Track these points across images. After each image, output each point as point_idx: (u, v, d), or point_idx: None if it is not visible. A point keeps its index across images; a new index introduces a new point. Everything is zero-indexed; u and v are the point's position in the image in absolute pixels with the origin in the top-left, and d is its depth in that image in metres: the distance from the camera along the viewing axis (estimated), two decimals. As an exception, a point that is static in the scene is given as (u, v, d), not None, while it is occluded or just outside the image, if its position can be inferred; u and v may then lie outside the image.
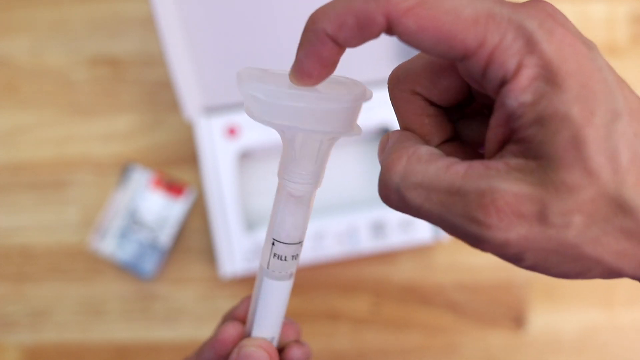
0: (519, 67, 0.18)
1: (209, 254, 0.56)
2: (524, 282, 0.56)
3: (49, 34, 0.59)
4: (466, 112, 0.24)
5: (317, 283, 0.56)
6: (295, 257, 0.26)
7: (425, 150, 0.20)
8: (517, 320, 0.56)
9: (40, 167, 0.58)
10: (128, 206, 0.56)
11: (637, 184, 0.18)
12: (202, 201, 0.57)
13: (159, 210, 0.56)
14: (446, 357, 0.56)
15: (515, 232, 0.18)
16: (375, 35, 0.20)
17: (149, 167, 0.57)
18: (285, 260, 0.26)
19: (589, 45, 0.19)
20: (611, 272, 0.19)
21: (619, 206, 0.18)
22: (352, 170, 0.56)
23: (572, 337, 0.56)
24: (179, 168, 0.57)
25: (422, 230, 0.53)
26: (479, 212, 0.18)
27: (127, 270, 0.56)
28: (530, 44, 0.18)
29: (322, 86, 0.22)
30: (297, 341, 0.29)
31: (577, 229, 0.18)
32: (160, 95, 0.58)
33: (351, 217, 0.52)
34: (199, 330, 0.56)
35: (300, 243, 0.26)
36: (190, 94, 0.51)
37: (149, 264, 0.55)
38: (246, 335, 0.28)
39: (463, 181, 0.19)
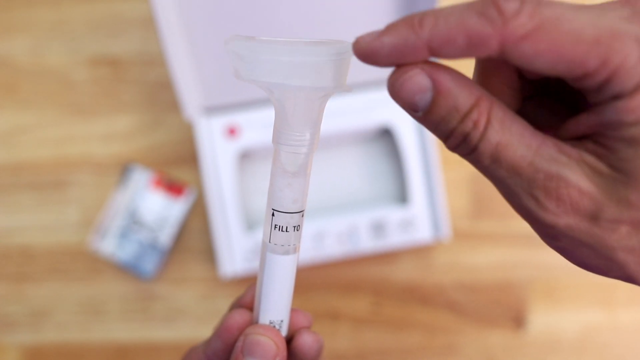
0: (636, 88, 0.18)
1: (209, 254, 0.56)
2: (524, 282, 0.56)
3: (49, 34, 0.59)
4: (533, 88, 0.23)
5: (317, 283, 0.56)
6: (297, 228, 0.26)
7: (501, 107, 0.20)
8: (517, 320, 0.56)
9: (40, 167, 0.58)
10: (128, 206, 0.56)
11: None
12: (202, 201, 0.57)
13: (159, 210, 0.56)
14: (446, 357, 0.56)
15: (565, 220, 0.19)
16: (482, 56, 0.19)
17: (149, 167, 0.57)
18: (286, 231, 0.25)
19: None
20: (628, 278, 0.20)
21: None
22: (352, 170, 0.56)
23: (572, 337, 0.56)
24: (179, 168, 0.57)
25: (422, 230, 0.53)
26: (541, 192, 0.19)
27: (127, 270, 0.56)
28: None
29: (307, 43, 0.22)
30: (309, 329, 0.28)
31: (620, 236, 0.19)
32: (160, 95, 0.58)
33: (351, 217, 0.52)
34: (199, 330, 0.56)
35: (301, 212, 0.26)
36: (190, 94, 0.51)
37: (149, 264, 0.55)
38: (254, 321, 0.27)
39: (535, 157, 0.19)
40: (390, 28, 0.20)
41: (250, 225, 0.54)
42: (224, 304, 0.56)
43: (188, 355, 0.30)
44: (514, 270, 0.57)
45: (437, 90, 0.20)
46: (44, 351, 0.56)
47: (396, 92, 0.20)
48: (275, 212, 0.25)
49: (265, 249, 0.26)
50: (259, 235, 0.52)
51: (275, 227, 0.25)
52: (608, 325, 0.56)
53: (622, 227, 0.19)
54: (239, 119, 0.52)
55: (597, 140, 0.19)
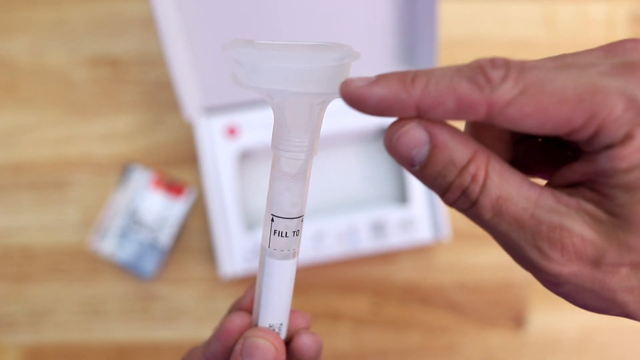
0: (626, 137, 0.18)
1: (209, 254, 0.56)
2: (524, 282, 0.56)
3: (49, 34, 0.59)
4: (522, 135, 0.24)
5: (317, 283, 0.56)
6: (296, 233, 0.25)
7: (498, 160, 0.20)
8: (517, 320, 0.56)
9: (40, 167, 0.58)
10: (128, 206, 0.56)
11: None
12: (202, 201, 0.57)
13: (159, 210, 0.56)
14: (446, 357, 0.56)
15: (569, 268, 0.20)
16: (470, 120, 0.20)
17: (149, 167, 0.57)
18: (286, 236, 0.25)
19: None
20: (627, 315, 0.21)
21: None
22: (352, 170, 0.56)
23: (572, 337, 0.56)
24: (179, 168, 0.57)
25: (422, 230, 0.53)
26: (545, 243, 0.19)
27: (127, 270, 0.56)
28: None
29: (307, 48, 0.22)
30: (308, 330, 0.28)
31: (620, 278, 0.20)
32: (160, 95, 0.58)
33: (351, 217, 0.52)
34: (199, 330, 0.56)
35: (300, 217, 0.25)
36: (190, 94, 0.51)
37: (149, 264, 0.55)
38: (253, 324, 0.27)
39: (536, 209, 0.20)
40: (382, 79, 0.20)
41: (250, 225, 0.54)
42: (223, 304, 0.56)
43: (188, 356, 0.30)
44: (514, 270, 0.57)
45: (433, 144, 0.20)
46: (44, 351, 0.56)
47: (393, 145, 0.21)
48: (274, 217, 0.25)
49: (264, 254, 0.26)
50: (259, 235, 0.52)
51: (274, 232, 0.25)
52: (608, 325, 0.56)
53: (622, 269, 0.20)
54: (239, 119, 0.53)
55: (592, 187, 0.20)
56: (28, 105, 0.58)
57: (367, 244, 0.52)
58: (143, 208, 0.56)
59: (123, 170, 0.57)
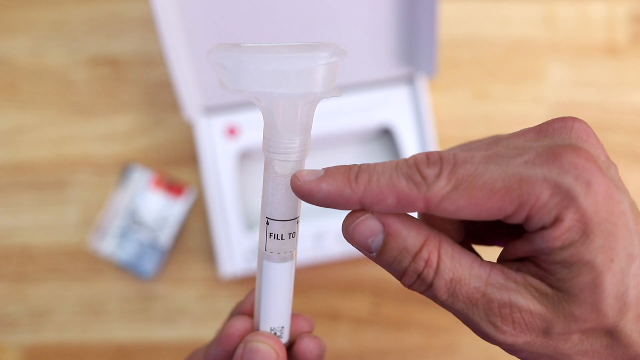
0: (556, 220, 0.20)
1: (209, 254, 0.56)
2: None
3: (49, 34, 0.59)
4: None
5: (317, 283, 0.56)
6: (292, 235, 0.25)
7: (449, 243, 0.22)
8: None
9: (40, 167, 0.58)
10: (128, 206, 0.56)
11: (635, 319, 0.20)
12: (202, 201, 0.57)
13: (159, 210, 0.56)
14: (446, 357, 0.56)
15: (522, 338, 0.21)
16: (412, 212, 0.22)
17: (149, 167, 0.57)
18: (282, 239, 0.25)
19: (619, 186, 0.20)
20: None
21: (612, 333, 0.21)
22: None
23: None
24: (179, 168, 0.57)
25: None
26: (498, 319, 0.21)
27: (127, 270, 0.56)
28: (567, 199, 0.19)
29: (293, 49, 0.22)
30: (310, 334, 0.28)
31: (572, 343, 0.21)
32: (160, 95, 0.58)
33: (351, 217, 0.52)
34: (199, 330, 0.56)
35: (295, 219, 0.25)
36: (190, 94, 0.51)
37: (149, 264, 0.55)
38: (254, 328, 0.27)
39: (487, 287, 0.21)
40: (328, 175, 0.22)
41: (250, 225, 0.54)
42: (223, 304, 0.56)
43: (190, 359, 0.30)
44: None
45: (387, 233, 0.22)
46: (44, 351, 0.56)
47: (350, 235, 0.22)
48: (269, 220, 0.25)
49: (261, 257, 0.26)
50: (259, 235, 0.52)
51: (270, 235, 0.25)
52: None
53: (573, 336, 0.21)
54: (239, 119, 0.53)
55: (536, 263, 0.21)
56: (28, 105, 0.58)
57: (367, 244, 0.52)
58: (143, 208, 0.56)
59: (123, 170, 0.57)
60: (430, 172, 0.21)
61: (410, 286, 0.23)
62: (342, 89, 0.53)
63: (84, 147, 0.58)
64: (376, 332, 0.56)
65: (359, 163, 0.23)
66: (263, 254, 0.26)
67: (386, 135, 0.55)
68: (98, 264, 0.57)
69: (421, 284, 0.22)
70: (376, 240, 0.22)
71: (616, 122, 0.58)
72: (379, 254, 0.22)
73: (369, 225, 0.22)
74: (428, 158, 0.21)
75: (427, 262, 0.22)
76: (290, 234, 0.25)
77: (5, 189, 0.58)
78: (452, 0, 0.59)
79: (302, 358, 0.27)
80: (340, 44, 0.23)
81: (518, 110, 0.58)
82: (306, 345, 0.27)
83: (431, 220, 0.24)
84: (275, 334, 0.27)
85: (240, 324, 0.27)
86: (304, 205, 0.25)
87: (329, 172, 0.22)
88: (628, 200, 0.20)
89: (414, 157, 0.21)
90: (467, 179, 0.20)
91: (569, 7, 0.59)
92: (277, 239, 0.25)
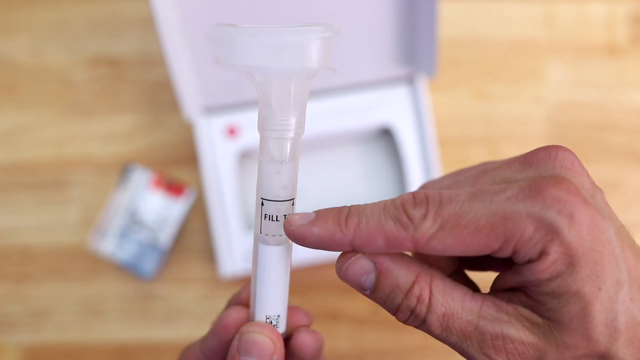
0: (542, 254, 0.20)
1: (209, 254, 0.56)
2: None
3: (49, 34, 0.59)
4: None
5: (317, 283, 0.56)
6: None
7: (440, 278, 0.23)
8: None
9: (40, 167, 0.58)
10: (128, 206, 0.56)
11: (627, 343, 0.21)
12: (202, 201, 0.57)
13: (159, 210, 0.56)
14: (446, 357, 0.56)
15: None
16: (401, 252, 0.22)
17: (149, 167, 0.57)
18: (277, 220, 0.25)
19: (603, 214, 0.21)
20: None
21: (605, 358, 0.21)
22: (352, 170, 0.56)
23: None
24: (179, 168, 0.57)
25: (422, 230, 0.53)
26: (491, 351, 0.22)
27: (127, 270, 0.56)
28: (551, 233, 0.20)
29: (287, 26, 0.22)
30: (309, 327, 0.28)
31: None
32: (160, 95, 0.58)
33: (351, 217, 0.52)
34: (199, 330, 0.56)
35: (291, 200, 0.25)
36: (190, 94, 0.51)
37: (149, 264, 0.55)
38: (250, 318, 0.27)
39: (479, 320, 0.22)
40: (319, 219, 0.23)
41: (250, 225, 0.54)
42: (223, 303, 0.56)
43: (185, 354, 0.29)
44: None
45: (379, 271, 0.23)
46: (44, 351, 0.56)
47: (343, 275, 0.24)
48: (264, 201, 0.25)
49: (257, 241, 0.25)
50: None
51: (265, 216, 0.25)
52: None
53: None
54: (239, 119, 0.53)
55: (527, 293, 0.22)
56: (28, 105, 0.58)
57: (367, 244, 0.52)
58: (143, 208, 0.56)
59: (123, 170, 0.57)
60: (417, 213, 0.21)
61: (404, 321, 0.23)
62: (342, 89, 0.53)
63: (84, 147, 0.58)
64: (376, 332, 0.56)
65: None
66: (259, 237, 0.25)
67: (386, 135, 0.55)
68: (98, 264, 0.57)
69: (415, 319, 0.23)
70: (369, 279, 0.23)
71: (616, 122, 0.58)
72: (373, 292, 0.23)
73: (361, 265, 0.23)
74: (414, 198, 0.22)
75: (419, 299, 0.22)
76: (285, 215, 0.25)
77: (5, 189, 0.58)
78: (452, 0, 0.59)
79: (299, 352, 0.27)
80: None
81: (518, 110, 0.58)
82: (304, 339, 0.27)
83: (423, 254, 0.24)
84: (271, 323, 0.26)
85: (236, 314, 0.27)
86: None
87: (320, 215, 0.23)
88: (614, 227, 0.21)
89: (401, 197, 0.22)
90: (452, 218, 0.21)
91: (569, 7, 0.59)
92: (272, 220, 0.25)
